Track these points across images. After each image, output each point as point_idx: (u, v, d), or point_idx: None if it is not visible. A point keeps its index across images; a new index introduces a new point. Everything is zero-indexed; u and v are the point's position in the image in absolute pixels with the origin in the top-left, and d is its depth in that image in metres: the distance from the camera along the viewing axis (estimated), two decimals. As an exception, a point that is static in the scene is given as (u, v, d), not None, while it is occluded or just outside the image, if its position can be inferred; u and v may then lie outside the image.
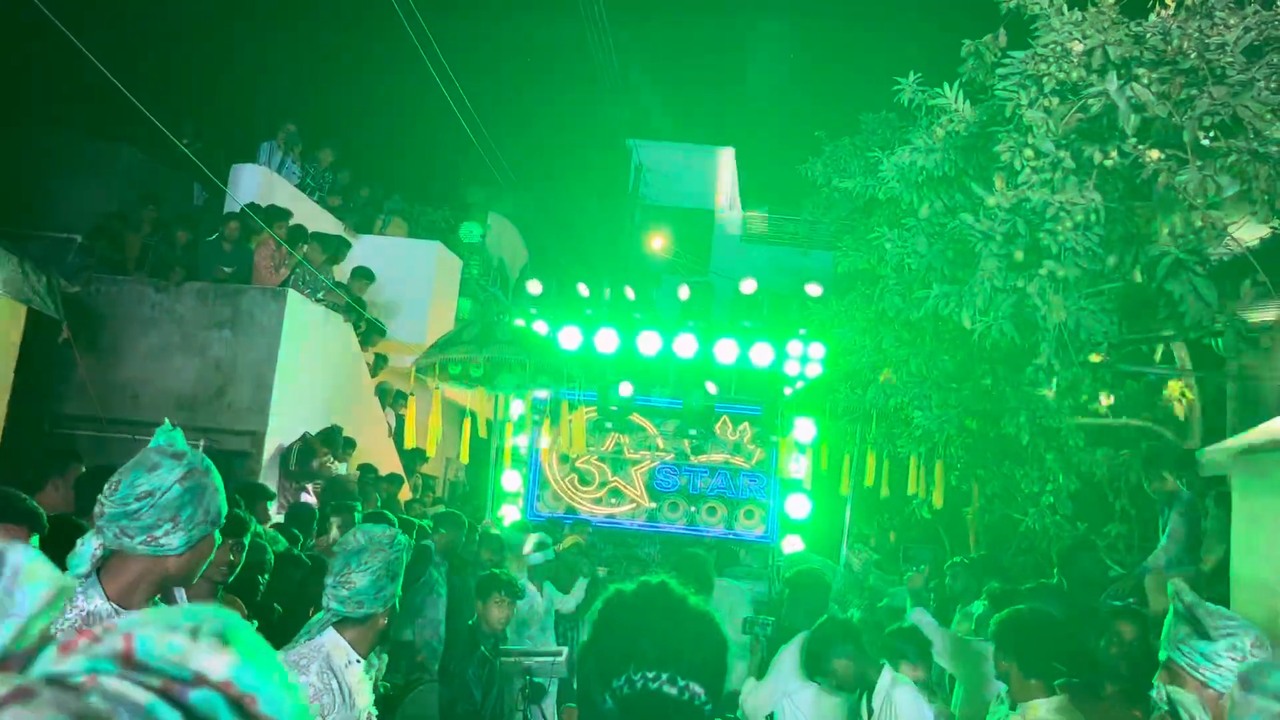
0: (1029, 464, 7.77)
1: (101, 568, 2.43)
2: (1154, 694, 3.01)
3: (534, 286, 11.41)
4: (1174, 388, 7.45)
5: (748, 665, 5.77)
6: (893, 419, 8.41)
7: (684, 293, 12.06)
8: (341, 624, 3.30)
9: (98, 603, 2.38)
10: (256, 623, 4.51)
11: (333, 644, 3.27)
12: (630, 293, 12.12)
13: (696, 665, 1.63)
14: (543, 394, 10.96)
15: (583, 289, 12.08)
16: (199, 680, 0.81)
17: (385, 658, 5.89)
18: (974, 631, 6.44)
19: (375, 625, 3.35)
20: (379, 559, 3.30)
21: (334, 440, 10.05)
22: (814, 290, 11.66)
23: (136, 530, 2.42)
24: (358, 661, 3.32)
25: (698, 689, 1.62)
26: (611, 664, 1.64)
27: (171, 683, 0.80)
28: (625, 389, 11.16)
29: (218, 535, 2.61)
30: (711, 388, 11.72)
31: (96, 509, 2.44)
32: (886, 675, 4.53)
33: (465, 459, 10.92)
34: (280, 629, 4.64)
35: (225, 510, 2.61)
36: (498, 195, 17.65)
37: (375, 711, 3.44)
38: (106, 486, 2.48)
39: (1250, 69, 4.49)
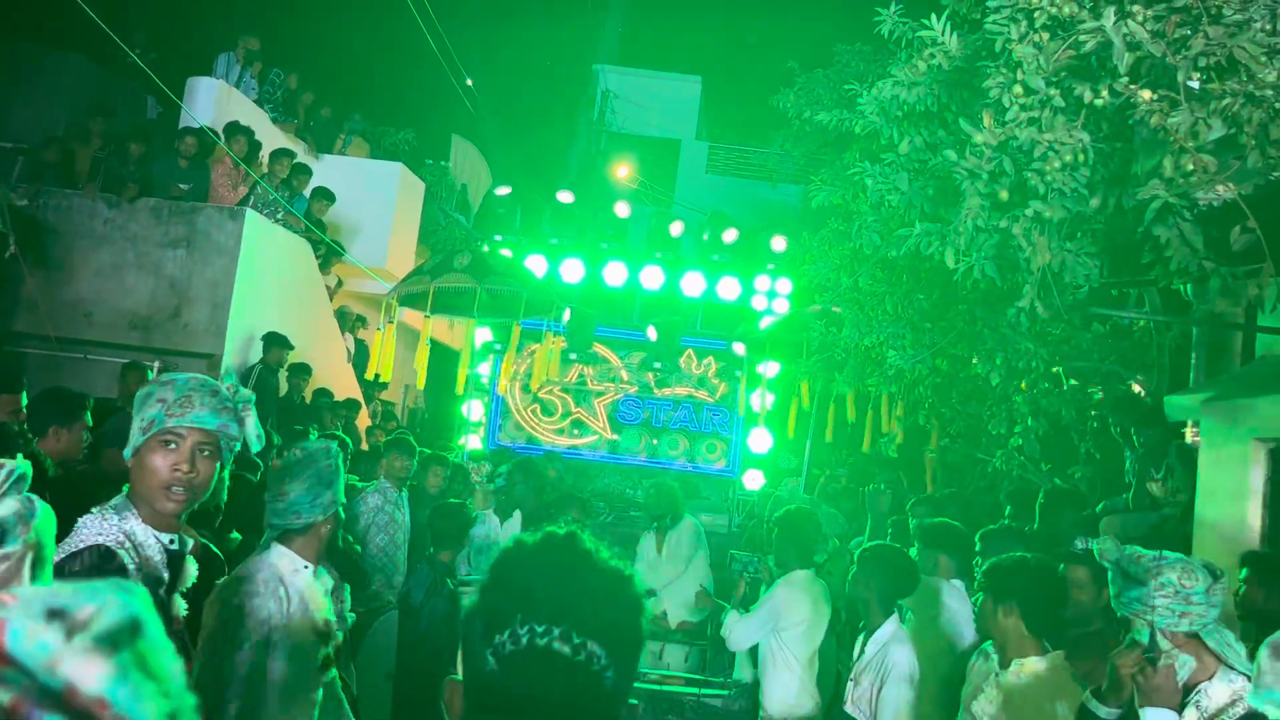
0: (997, 405, 7.78)
1: None
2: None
3: (501, 190, 11.12)
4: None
5: (732, 601, 5.88)
6: (863, 358, 8.38)
7: (677, 229, 11.90)
8: (284, 537, 3.45)
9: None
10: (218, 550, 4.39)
11: (278, 555, 3.42)
12: (620, 210, 11.96)
13: (599, 625, 1.40)
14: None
15: (565, 196, 11.88)
16: (70, 694, 0.69)
17: (347, 587, 5.81)
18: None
19: (318, 534, 3.49)
20: (310, 469, 3.44)
21: (280, 343, 9.72)
22: (779, 244, 11.49)
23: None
24: (305, 568, 3.47)
25: (596, 649, 1.38)
26: (498, 618, 1.40)
27: (30, 693, 0.68)
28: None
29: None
30: (651, 332, 11.58)
31: None
32: (891, 625, 4.42)
33: (422, 384, 10.77)
34: (239, 556, 4.54)
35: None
36: (463, 118, 17.30)
37: (333, 618, 3.57)
38: None
39: (1247, 8, 4.39)
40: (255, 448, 2.66)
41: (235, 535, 5.23)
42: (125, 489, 2.54)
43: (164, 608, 2.49)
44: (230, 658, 3.22)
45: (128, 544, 2.40)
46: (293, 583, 3.40)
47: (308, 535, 3.47)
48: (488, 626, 1.41)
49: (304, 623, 3.40)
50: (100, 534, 2.39)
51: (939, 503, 7.33)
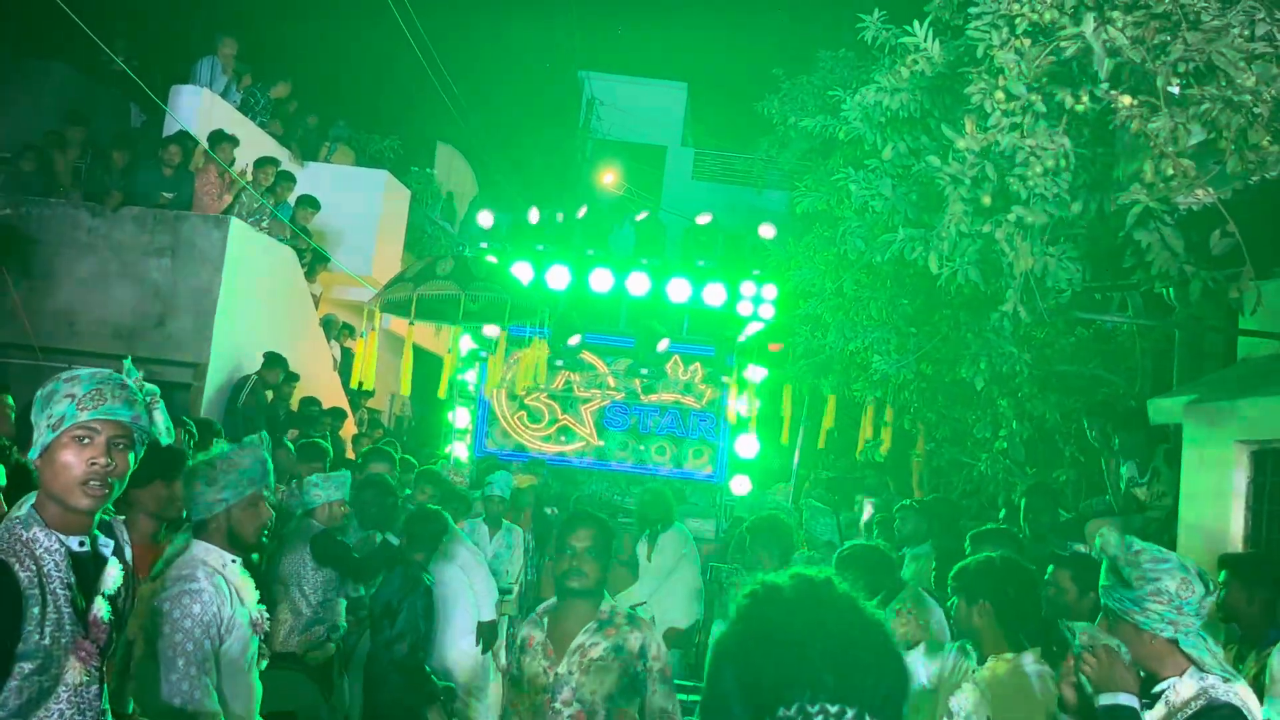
0: (982, 409, 7.82)
1: None
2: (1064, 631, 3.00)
3: (484, 219, 11.15)
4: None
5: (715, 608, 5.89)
6: (848, 363, 8.41)
7: (641, 216, 11.97)
8: (201, 530, 3.46)
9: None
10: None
11: (204, 551, 3.43)
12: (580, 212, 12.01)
13: (881, 701, 1.28)
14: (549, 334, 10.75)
15: (533, 214, 11.92)
16: None
17: (343, 602, 5.81)
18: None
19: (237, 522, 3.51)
20: (230, 460, 3.48)
21: (280, 364, 9.76)
22: (767, 231, 11.57)
23: None
24: (234, 561, 3.49)
25: None
26: (772, 687, 1.27)
27: None
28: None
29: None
30: (663, 344, 11.63)
31: None
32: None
33: (406, 390, 10.68)
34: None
35: (68, 412, 2.45)
36: (448, 125, 17.29)
37: (263, 608, 3.58)
38: None
39: (1225, 14, 4.43)
40: (165, 441, 2.59)
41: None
42: (29, 499, 2.47)
43: (76, 610, 2.41)
44: (184, 653, 3.23)
45: (23, 553, 2.33)
46: (227, 575, 3.45)
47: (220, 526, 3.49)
48: (755, 691, 1.30)
49: (241, 614, 3.44)
50: None
51: (925, 506, 7.36)
